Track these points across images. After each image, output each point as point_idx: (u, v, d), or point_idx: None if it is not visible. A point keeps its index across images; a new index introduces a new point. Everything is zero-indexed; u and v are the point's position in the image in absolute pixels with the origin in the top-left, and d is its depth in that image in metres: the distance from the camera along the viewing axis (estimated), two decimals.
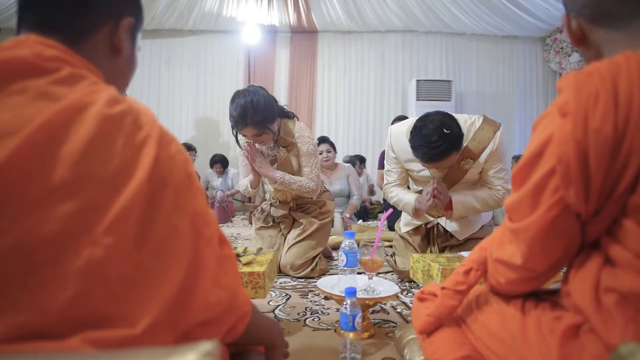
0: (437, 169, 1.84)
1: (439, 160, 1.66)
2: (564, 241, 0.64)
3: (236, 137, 2.07)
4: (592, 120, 0.55)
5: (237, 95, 1.92)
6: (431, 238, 2.12)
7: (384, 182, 2.11)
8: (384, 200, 4.17)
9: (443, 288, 0.87)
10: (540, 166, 0.62)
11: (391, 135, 1.97)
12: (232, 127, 1.97)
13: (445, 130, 1.59)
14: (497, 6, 5.29)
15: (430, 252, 2.06)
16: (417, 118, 1.73)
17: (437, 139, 1.59)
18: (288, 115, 2.14)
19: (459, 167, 1.83)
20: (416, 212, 1.95)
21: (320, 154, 3.62)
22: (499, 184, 1.85)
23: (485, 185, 1.91)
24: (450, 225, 2.03)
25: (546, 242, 0.64)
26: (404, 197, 1.98)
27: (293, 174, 2.13)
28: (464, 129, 1.75)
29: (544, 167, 0.61)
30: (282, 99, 6.31)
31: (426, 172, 1.93)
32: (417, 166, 1.91)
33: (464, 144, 1.78)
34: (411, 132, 1.69)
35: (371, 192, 4.99)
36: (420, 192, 2.00)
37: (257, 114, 1.87)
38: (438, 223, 2.08)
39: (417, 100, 5.73)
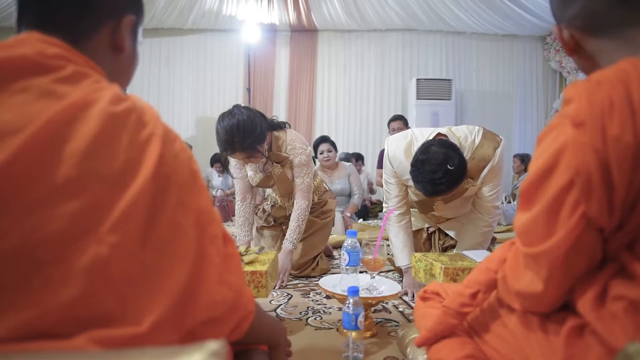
0: None
1: (442, 195, 1.61)
2: (587, 260, 0.60)
3: (225, 160, 1.98)
4: (610, 129, 0.53)
5: (221, 118, 1.80)
6: (433, 241, 2.12)
7: (384, 195, 1.97)
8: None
9: (445, 307, 0.84)
10: (554, 180, 0.58)
11: (389, 149, 1.84)
12: (221, 152, 1.87)
13: (449, 167, 1.50)
14: (498, 5, 5.28)
15: (432, 251, 2.06)
16: (419, 148, 1.61)
17: (441, 176, 1.50)
18: (279, 126, 2.05)
19: (459, 187, 1.73)
20: (397, 268, 1.92)
21: (322, 153, 3.61)
22: (489, 200, 1.75)
23: (477, 199, 1.81)
24: (451, 228, 2.03)
25: (569, 263, 0.60)
26: (397, 247, 1.86)
27: (291, 188, 2.10)
28: (465, 147, 1.67)
29: (559, 181, 0.57)
30: (282, 98, 6.31)
31: None
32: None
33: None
34: (412, 165, 1.59)
35: (371, 190, 4.98)
36: (418, 203, 1.94)
37: (245, 138, 1.76)
38: (439, 228, 2.08)
39: (417, 99, 5.72)
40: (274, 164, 2.04)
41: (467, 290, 0.81)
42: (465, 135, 1.70)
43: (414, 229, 2.07)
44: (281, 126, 2.06)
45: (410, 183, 1.78)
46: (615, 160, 0.53)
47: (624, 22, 0.63)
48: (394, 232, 1.86)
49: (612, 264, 0.60)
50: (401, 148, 1.79)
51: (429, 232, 2.13)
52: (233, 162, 2.12)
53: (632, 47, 0.61)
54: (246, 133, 1.76)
